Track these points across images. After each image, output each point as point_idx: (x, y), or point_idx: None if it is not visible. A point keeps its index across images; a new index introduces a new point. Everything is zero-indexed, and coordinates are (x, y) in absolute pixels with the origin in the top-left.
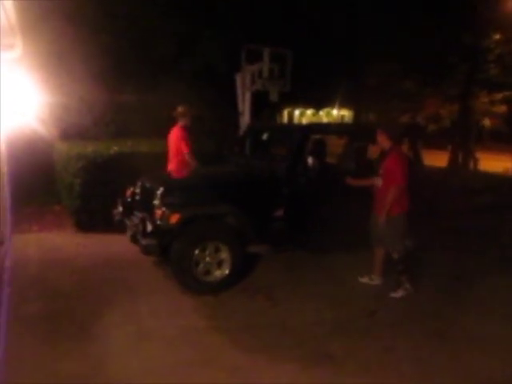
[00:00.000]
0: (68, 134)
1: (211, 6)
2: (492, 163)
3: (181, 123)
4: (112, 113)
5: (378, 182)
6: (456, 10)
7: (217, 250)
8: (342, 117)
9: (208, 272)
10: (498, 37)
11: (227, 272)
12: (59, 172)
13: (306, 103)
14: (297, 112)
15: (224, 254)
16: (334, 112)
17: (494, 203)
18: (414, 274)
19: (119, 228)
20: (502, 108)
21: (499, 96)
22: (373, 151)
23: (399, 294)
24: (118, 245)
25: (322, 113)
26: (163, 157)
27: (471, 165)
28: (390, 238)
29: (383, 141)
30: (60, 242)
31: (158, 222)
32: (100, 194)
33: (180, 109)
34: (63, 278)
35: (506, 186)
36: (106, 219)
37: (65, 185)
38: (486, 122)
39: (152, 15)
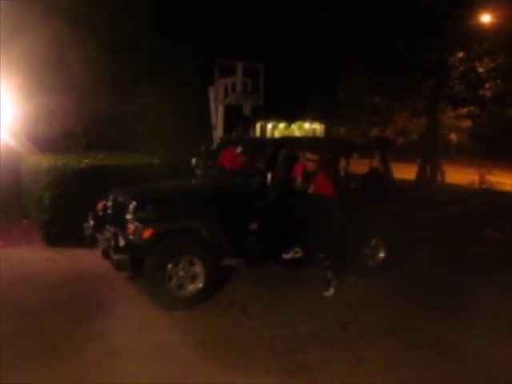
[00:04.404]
0: (38, 146)
1: (184, 20)
2: (458, 176)
3: None
4: (83, 126)
5: None
6: (424, 29)
7: (190, 264)
8: (314, 130)
9: (181, 286)
10: (461, 55)
11: (201, 286)
12: (27, 185)
13: (278, 117)
14: (269, 125)
15: (198, 268)
16: (306, 125)
17: (461, 214)
18: (388, 285)
19: (90, 242)
20: (468, 123)
21: (464, 111)
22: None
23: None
24: (88, 260)
25: (294, 126)
26: (135, 170)
27: (439, 177)
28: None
29: (311, 165)
30: (28, 257)
31: (131, 237)
32: (70, 208)
33: None
34: (32, 294)
35: (472, 198)
36: (76, 233)
37: (34, 198)
38: (452, 137)
39: (125, 29)
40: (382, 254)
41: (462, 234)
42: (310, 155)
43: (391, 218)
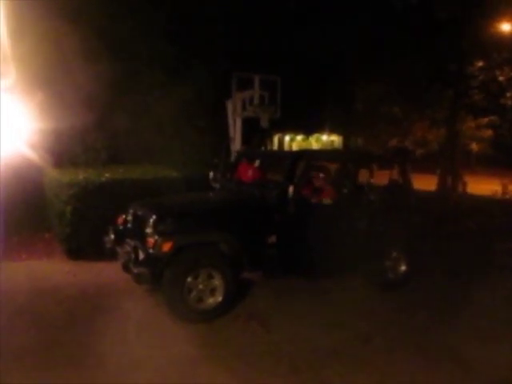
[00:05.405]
0: (59, 160)
1: (201, 33)
2: (480, 186)
3: None
4: (103, 139)
5: None
6: (442, 40)
7: (209, 277)
8: (332, 142)
9: (201, 299)
10: (480, 64)
11: (220, 299)
12: (50, 199)
13: (296, 129)
14: (287, 138)
15: (217, 281)
16: (324, 137)
17: (485, 225)
18: (410, 298)
19: (110, 256)
20: (488, 132)
21: (485, 121)
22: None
23: None
24: (108, 273)
25: (311, 138)
26: (155, 183)
27: (460, 188)
28: None
29: (320, 181)
30: (49, 270)
31: (151, 251)
32: (91, 222)
33: None
34: (52, 307)
35: (495, 208)
36: (96, 247)
37: (55, 212)
38: (473, 147)
39: (142, 42)
40: (403, 267)
41: (486, 245)
42: (315, 173)
43: (412, 230)
